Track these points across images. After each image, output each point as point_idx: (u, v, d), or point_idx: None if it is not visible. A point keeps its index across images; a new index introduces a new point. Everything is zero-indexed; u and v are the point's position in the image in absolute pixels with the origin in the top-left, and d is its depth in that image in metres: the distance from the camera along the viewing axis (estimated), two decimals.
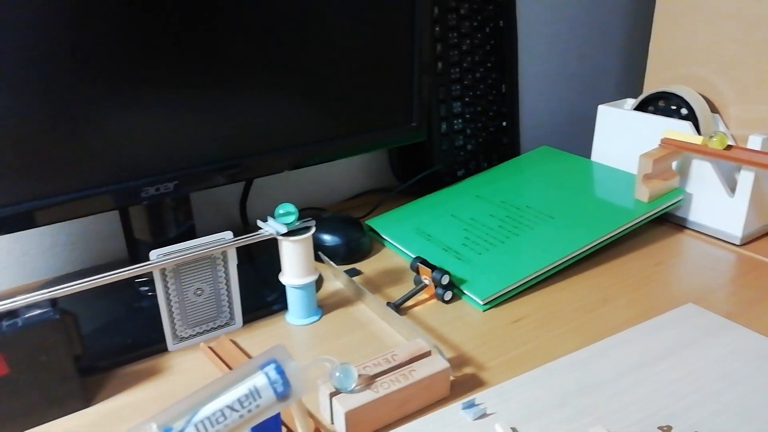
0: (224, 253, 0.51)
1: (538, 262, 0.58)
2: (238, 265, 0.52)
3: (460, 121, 0.81)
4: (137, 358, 0.51)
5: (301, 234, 0.52)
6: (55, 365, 0.43)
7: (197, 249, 0.49)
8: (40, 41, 0.45)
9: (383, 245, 0.69)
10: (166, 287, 0.49)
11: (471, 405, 0.37)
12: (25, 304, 0.42)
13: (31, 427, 0.43)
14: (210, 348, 0.51)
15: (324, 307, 0.57)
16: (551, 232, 0.63)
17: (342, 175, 0.84)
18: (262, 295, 0.58)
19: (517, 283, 0.57)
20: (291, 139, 0.60)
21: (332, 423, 0.42)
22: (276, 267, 0.60)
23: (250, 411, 0.25)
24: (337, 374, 0.40)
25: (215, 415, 0.24)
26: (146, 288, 0.59)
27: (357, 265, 0.65)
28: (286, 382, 0.25)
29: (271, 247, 0.67)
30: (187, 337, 0.52)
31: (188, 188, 0.55)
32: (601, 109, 0.77)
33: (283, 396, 0.26)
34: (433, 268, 0.56)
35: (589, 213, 0.65)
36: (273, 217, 0.53)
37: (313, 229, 0.53)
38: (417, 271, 0.58)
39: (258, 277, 0.62)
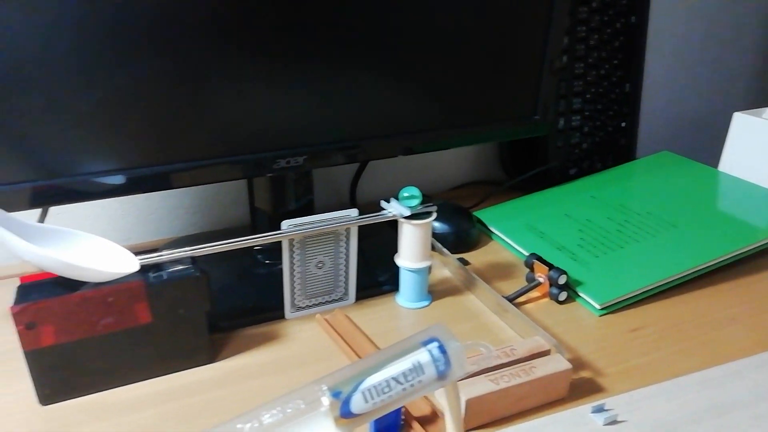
0: (348, 230, 0.52)
1: (663, 271, 0.56)
2: None
3: (578, 118, 0.78)
4: (256, 321, 0.53)
5: (423, 218, 0.52)
6: (190, 319, 0.46)
7: (326, 223, 0.50)
8: (185, 17, 0.47)
9: (490, 238, 0.69)
10: (291, 257, 0.50)
11: (600, 409, 0.36)
12: (170, 259, 0.45)
13: (164, 375, 0.46)
14: (325, 320, 0.52)
15: (433, 293, 0.57)
16: (676, 241, 0.60)
17: (450, 163, 0.84)
18: (374, 275, 0.59)
19: (638, 290, 0.54)
20: (412, 125, 0.60)
21: None
22: (383, 249, 0.60)
23: (412, 385, 0.25)
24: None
25: (381, 385, 0.25)
26: (262, 256, 0.62)
27: (463, 256, 0.65)
28: (447, 362, 0.26)
29: (376, 229, 0.68)
30: (303, 307, 0.53)
31: (314, 164, 0.57)
32: (737, 117, 0.72)
33: (442, 375, 0.26)
34: (550, 266, 0.55)
35: (719, 226, 0.61)
36: (396, 199, 0.53)
37: (435, 215, 0.53)
38: (531, 267, 0.57)
39: (367, 257, 0.63)
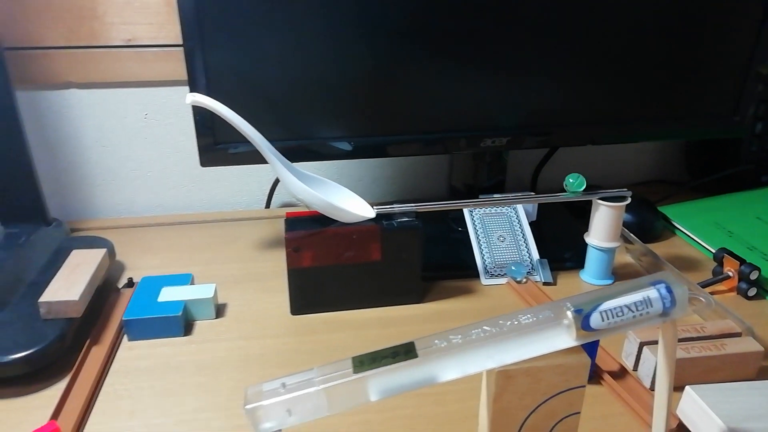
0: (516, 210, 0.58)
1: None
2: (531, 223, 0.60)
3: None
4: (454, 276, 0.61)
5: (618, 201, 0.56)
6: (409, 263, 0.55)
7: (516, 198, 0.57)
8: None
9: (673, 233, 0.70)
10: (475, 227, 0.58)
11: None
12: (399, 211, 0.54)
13: (383, 306, 0.56)
14: (517, 282, 0.59)
15: (615, 275, 0.61)
16: None
17: (631, 159, 0.86)
18: (559, 252, 0.64)
19: None
20: (604, 117, 0.64)
21: (634, 370, 0.47)
22: (565, 230, 0.65)
23: (641, 314, 0.31)
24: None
25: (616, 309, 0.31)
26: (455, 224, 0.70)
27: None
28: (673, 301, 0.31)
29: (560, 212, 0.73)
30: (495, 275, 0.60)
31: (514, 146, 0.63)
32: None
33: (666, 311, 0.31)
34: (741, 261, 0.56)
35: None
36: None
37: (629, 200, 0.57)
38: (720, 261, 0.59)
39: (552, 236, 0.68)
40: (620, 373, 0.46)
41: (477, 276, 0.60)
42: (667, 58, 0.62)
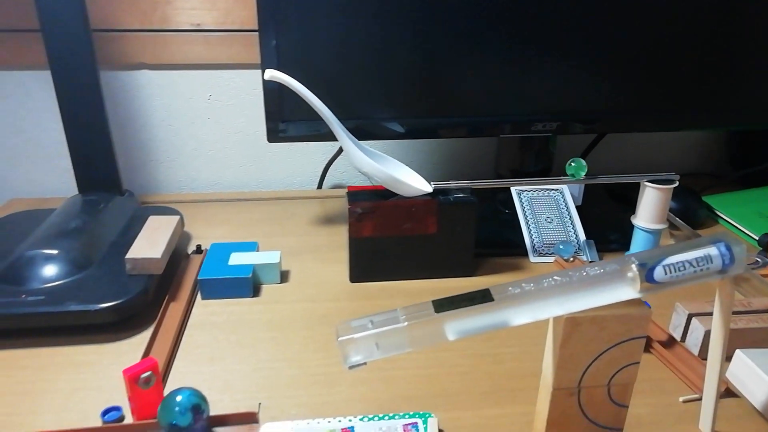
0: (563, 193, 0.60)
1: None
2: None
3: None
4: (503, 254, 0.63)
5: (665, 184, 0.58)
6: (462, 237, 0.57)
7: (555, 181, 0.59)
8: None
9: (716, 222, 0.72)
10: (522, 207, 0.60)
11: None
12: (455, 187, 0.57)
13: (435, 278, 0.59)
14: (564, 260, 0.61)
15: None
16: None
17: (675, 151, 0.87)
18: (604, 234, 0.66)
19: None
20: (651, 106, 0.66)
21: (682, 341, 0.49)
22: (607, 214, 0.68)
23: (701, 270, 0.33)
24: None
25: (678, 264, 0.33)
26: (503, 206, 0.72)
27: None
28: (731, 258, 0.33)
29: (596, 197, 0.75)
30: (543, 254, 0.63)
31: (564, 130, 0.66)
32: None
33: (725, 268, 0.33)
34: None
35: None
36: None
37: (677, 183, 0.59)
38: (765, 246, 0.60)
39: (594, 219, 0.70)
40: (669, 343, 0.48)
41: (525, 254, 0.63)
42: (716, 47, 0.64)
